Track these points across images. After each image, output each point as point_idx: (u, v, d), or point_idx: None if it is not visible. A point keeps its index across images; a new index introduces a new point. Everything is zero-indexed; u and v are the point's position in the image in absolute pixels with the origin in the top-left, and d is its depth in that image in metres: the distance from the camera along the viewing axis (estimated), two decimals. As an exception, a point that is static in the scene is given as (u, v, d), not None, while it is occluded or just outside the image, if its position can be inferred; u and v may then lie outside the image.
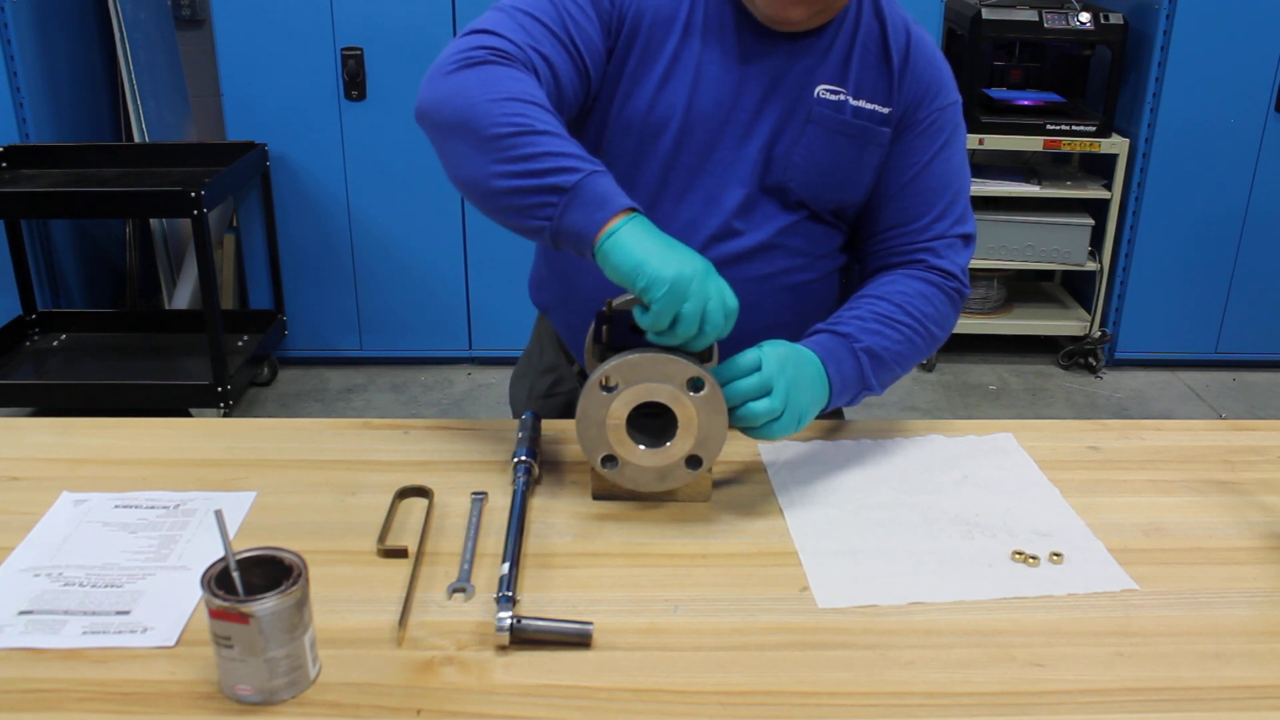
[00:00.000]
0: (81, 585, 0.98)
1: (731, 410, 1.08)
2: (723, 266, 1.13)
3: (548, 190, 1.04)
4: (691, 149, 1.23)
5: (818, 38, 1.22)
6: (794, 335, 1.19)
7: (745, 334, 1.11)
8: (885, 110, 1.24)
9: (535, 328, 1.52)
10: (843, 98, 1.23)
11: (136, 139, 3.37)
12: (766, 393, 1.08)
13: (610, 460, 1.10)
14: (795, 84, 1.22)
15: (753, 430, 1.09)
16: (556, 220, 1.05)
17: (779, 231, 1.26)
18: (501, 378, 3.52)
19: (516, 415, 1.51)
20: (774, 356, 1.09)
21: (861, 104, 1.23)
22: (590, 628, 0.91)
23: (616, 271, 1.02)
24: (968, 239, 1.29)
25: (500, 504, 1.12)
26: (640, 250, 1.01)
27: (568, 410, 1.38)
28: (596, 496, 1.14)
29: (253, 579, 0.84)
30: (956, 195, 1.28)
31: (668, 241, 1.03)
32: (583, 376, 1.36)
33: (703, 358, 1.10)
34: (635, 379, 1.06)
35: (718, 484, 1.16)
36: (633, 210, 1.04)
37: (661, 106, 1.21)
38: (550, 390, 1.45)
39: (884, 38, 1.24)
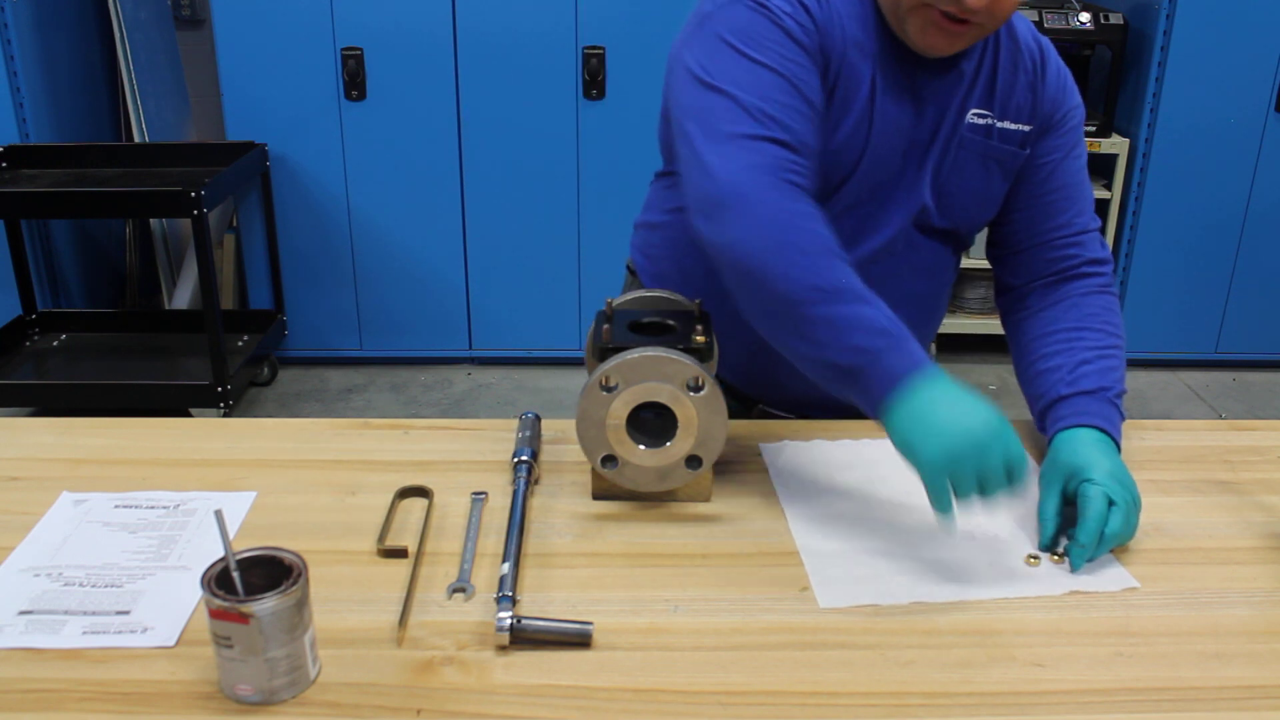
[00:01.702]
0: (81, 585, 0.98)
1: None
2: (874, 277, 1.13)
3: (845, 373, 1.01)
4: (872, 181, 1.21)
5: (966, 61, 1.21)
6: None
7: None
8: (1027, 129, 1.24)
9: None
10: (990, 121, 1.22)
11: (136, 139, 3.37)
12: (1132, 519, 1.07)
13: (610, 460, 1.10)
14: (954, 112, 1.21)
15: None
16: (847, 390, 1.03)
17: (910, 248, 1.26)
18: (501, 377, 3.52)
19: None
20: (1122, 470, 1.09)
21: (1006, 125, 1.23)
22: (590, 628, 0.91)
23: (895, 439, 1.01)
24: (1099, 230, 1.31)
25: (500, 504, 1.12)
26: (915, 427, 0.98)
27: None
28: (596, 496, 1.14)
29: (253, 579, 0.84)
30: (1090, 194, 1.30)
31: (948, 407, 0.98)
32: None
33: (703, 357, 1.10)
34: (635, 379, 1.06)
35: (718, 484, 1.16)
36: (915, 374, 0.99)
37: (855, 142, 1.18)
38: None
39: (1018, 53, 1.24)
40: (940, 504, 0.99)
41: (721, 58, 1.09)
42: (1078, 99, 1.29)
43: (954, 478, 0.98)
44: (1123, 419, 1.19)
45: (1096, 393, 1.18)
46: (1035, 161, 1.27)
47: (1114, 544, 1.05)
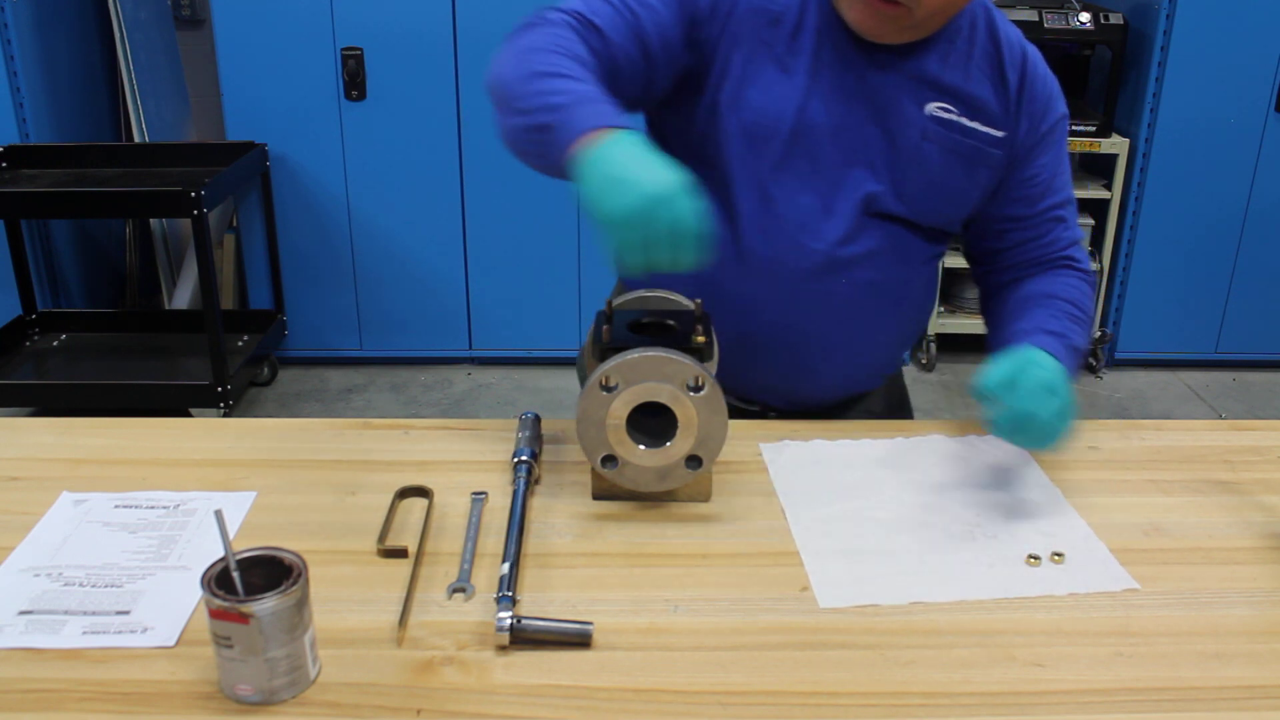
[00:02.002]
0: (81, 585, 0.98)
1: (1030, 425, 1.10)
2: (824, 270, 1.22)
3: (536, 130, 1.05)
4: (801, 154, 1.23)
5: (928, 55, 1.22)
6: (888, 334, 1.25)
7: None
8: (1000, 134, 1.25)
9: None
10: (955, 117, 1.23)
11: (136, 139, 3.37)
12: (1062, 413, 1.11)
13: (610, 460, 1.10)
14: (907, 100, 1.22)
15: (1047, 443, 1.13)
16: (545, 158, 1.06)
17: (885, 242, 1.27)
18: (501, 377, 3.52)
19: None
20: (1053, 365, 1.13)
21: (976, 125, 1.24)
22: (590, 628, 0.91)
23: (582, 197, 1.01)
24: (1081, 241, 1.35)
25: (500, 504, 1.12)
26: (598, 181, 0.98)
27: None
28: (596, 496, 1.14)
29: (253, 579, 0.84)
30: (1071, 198, 1.33)
31: (632, 164, 0.98)
32: None
33: (703, 357, 1.10)
34: (635, 379, 1.06)
35: (718, 484, 1.16)
36: (607, 130, 1.00)
37: (772, 109, 1.21)
38: None
39: (999, 59, 1.25)
40: (625, 267, 1.00)
41: None
42: (1064, 108, 1.31)
43: (641, 239, 0.97)
44: (1071, 357, 1.21)
45: (1059, 335, 1.22)
46: (1026, 176, 1.28)
47: (1030, 423, 1.09)
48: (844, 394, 1.40)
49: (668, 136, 1.30)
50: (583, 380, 1.54)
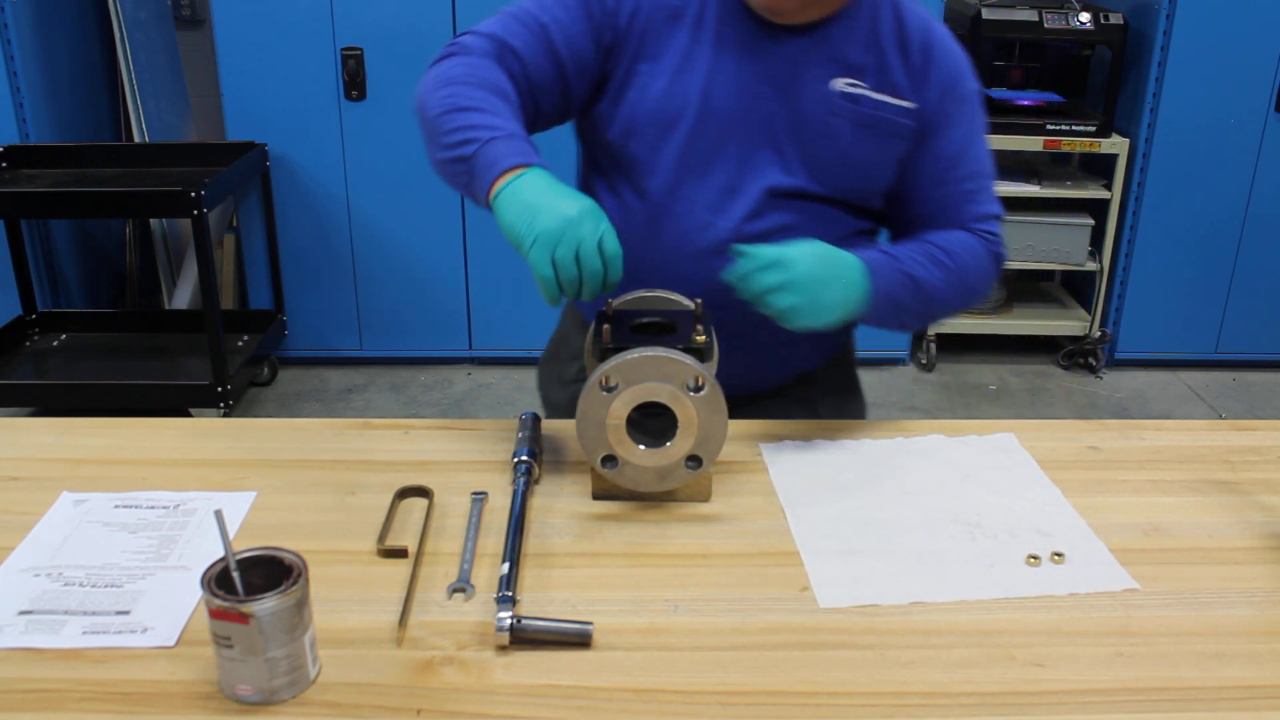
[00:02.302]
0: (81, 585, 0.98)
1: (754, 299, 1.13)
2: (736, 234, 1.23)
3: (458, 161, 1.14)
4: (709, 139, 1.25)
5: (832, 33, 1.24)
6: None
7: (761, 314, 1.15)
8: (909, 105, 1.26)
9: (560, 319, 1.56)
10: (862, 91, 1.25)
11: (136, 139, 3.37)
12: (784, 286, 1.12)
13: (610, 460, 1.10)
14: (813, 78, 1.24)
15: (780, 318, 1.14)
16: (469, 189, 1.14)
17: (798, 217, 1.28)
18: (501, 377, 3.52)
19: (547, 406, 1.55)
20: (801, 251, 1.14)
21: (883, 98, 1.25)
22: (590, 628, 0.91)
23: (502, 229, 1.10)
24: (1000, 218, 1.34)
25: (500, 504, 1.12)
26: (517, 206, 1.08)
27: None
28: (596, 496, 1.14)
29: (253, 579, 0.84)
30: (987, 180, 1.33)
31: (547, 193, 1.08)
32: None
33: (703, 357, 1.10)
34: (635, 379, 1.06)
35: (718, 484, 1.16)
36: (525, 166, 1.10)
37: (676, 97, 1.24)
38: (578, 376, 1.46)
39: (903, 34, 1.27)
40: (547, 287, 1.06)
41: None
42: (972, 83, 1.31)
43: (555, 256, 1.05)
44: (900, 299, 1.23)
45: (891, 256, 1.24)
46: (935, 152, 1.29)
47: (783, 267, 1.12)
48: (779, 376, 1.41)
49: (587, 138, 1.34)
50: (541, 384, 1.56)
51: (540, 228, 1.05)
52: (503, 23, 1.24)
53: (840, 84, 1.24)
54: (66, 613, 0.94)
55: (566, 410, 1.45)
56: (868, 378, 3.95)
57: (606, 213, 1.10)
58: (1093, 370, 3.66)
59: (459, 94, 1.16)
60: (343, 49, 3.20)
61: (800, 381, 1.43)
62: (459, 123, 1.14)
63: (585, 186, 1.37)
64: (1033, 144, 3.39)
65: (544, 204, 1.07)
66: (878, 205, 1.35)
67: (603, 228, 1.07)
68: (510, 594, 0.94)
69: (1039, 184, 3.49)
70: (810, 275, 1.13)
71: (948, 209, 1.31)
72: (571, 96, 1.27)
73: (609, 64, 1.26)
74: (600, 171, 1.34)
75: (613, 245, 1.07)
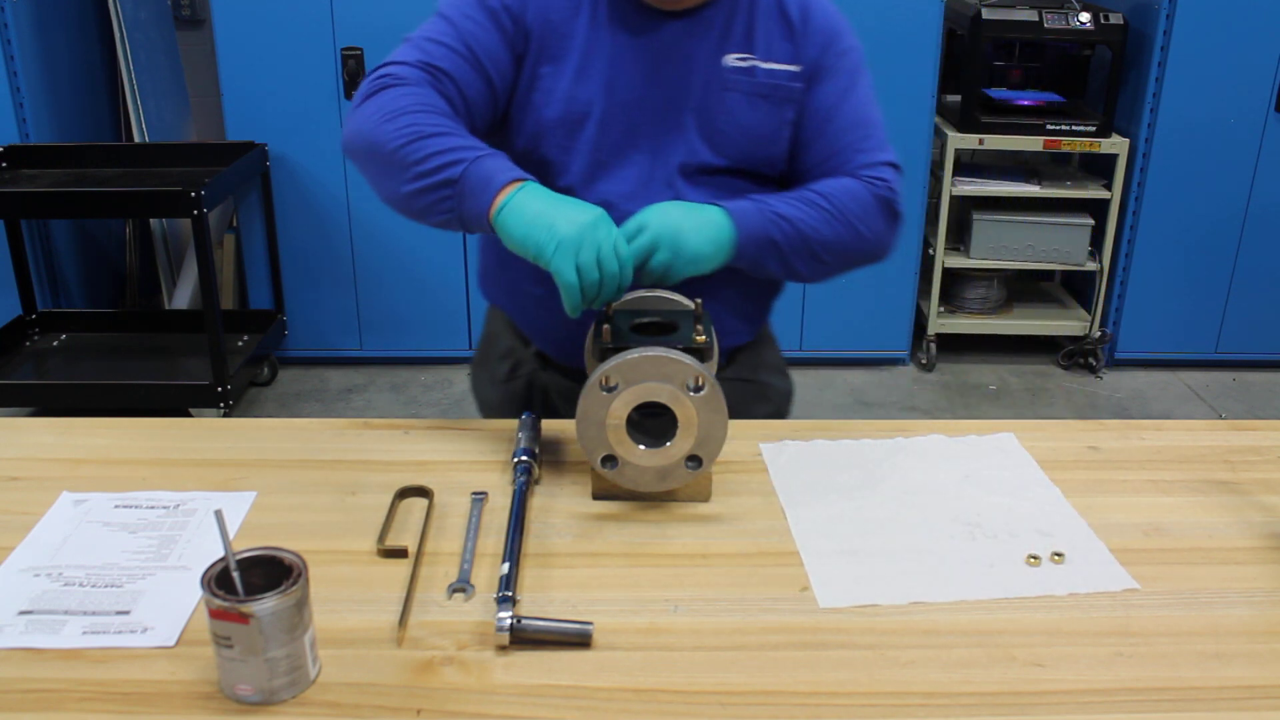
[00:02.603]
0: (81, 585, 0.98)
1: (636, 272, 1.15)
2: None
3: (441, 186, 1.13)
4: (617, 131, 1.28)
5: (716, 13, 1.28)
6: (740, 282, 1.28)
7: (693, 287, 1.19)
8: (795, 68, 1.30)
9: (486, 320, 1.59)
10: (752, 63, 1.29)
11: (136, 139, 3.37)
12: (653, 246, 1.15)
13: (610, 460, 1.10)
14: (705, 59, 1.28)
15: (664, 277, 1.17)
16: (457, 211, 1.14)
17: (708, 195, 1.30)
18: (501, 378, 3.52)
19: (483, 407, 1.56)
20: (656, 210, 1.18)
21: (771, 66, 1.29)
22: (590, 628, 0.91)
23: (512, 242, 1.12)
24: (893, 165, 1.34)
25: (500, 504, 1.12)
26: (528, 217, 1.10)
27: (530, 391, 1.44)
28: (596, 496, 1.14)
29: (253, 579, 0.84)
30: (871, 130, 1.34)
31: (555, 203, 1.11)
32: (540, 357, 1.41)
33: (703, 357, 1.10)
34: (635, 379, 1.06)
35: (718, 484, 1.16)
36: (521, 181, 1.12)
37: (581, 97, 1.27)
38: (511, 375, 1.48)
39: (781, 4, 1.31)
40: (570, 294, 1.09)
41: (428, 20, 1.29)
42: (850, 41, 1.34)
43: (580, 261, 1.08)
44: (773, 239, 1.23)
45: (759, 201, 1.25)
46: (814, 106, 1.31)
47: (655, 219, 1.16)
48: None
49: (504, 146, 1.33)
50: (475, 385, 1.58)
51: (561, 235, 1.07)
52: (423, 48, 1.24)
53: (731, 59, 1.28)
54: (66, 613, 0.94)
55: (500, 410, 1.47)
56: (868, 377, 3.93)
57: None
58: (1093, 370, 3.66)
59: (419, 122, 1.16)
60: (343, 49, 3.20)
61: (730, 362, 1.44)
62: (432, 149, 1.14)
63: None
64: (1033, 144, 3.39)
65: (557, 213, 1.09)
66: (783, 168, 1.37)
67: (615, 232, 1.10)
68: (510, 594, 0.94)
69: (1039, 184, 3.49)
70: (668, 228, 1.16)
71: (831, 158, 1.32)
72: (499, 110, 1.29)
73: (521, 70, 1.28)
74: None
75: (625, 249, 1.10)
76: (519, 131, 1.30)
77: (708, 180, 1.31)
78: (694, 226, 1.19)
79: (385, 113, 1.18)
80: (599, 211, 1.10)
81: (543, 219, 1.09)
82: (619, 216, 1.27)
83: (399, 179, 1.16)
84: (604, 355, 1.09)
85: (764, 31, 1.29)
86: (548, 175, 1.29)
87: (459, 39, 1.24)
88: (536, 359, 1.44)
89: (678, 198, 1.28)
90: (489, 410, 1.53)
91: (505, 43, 1.26)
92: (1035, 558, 1.05)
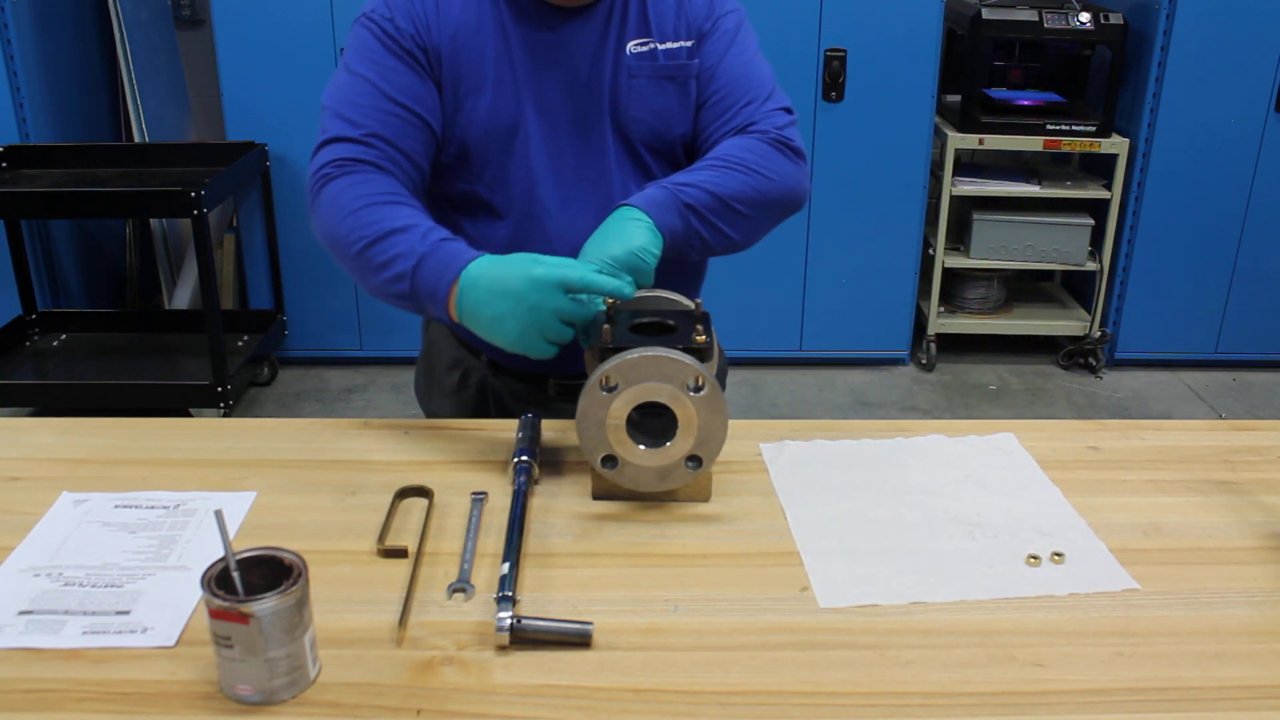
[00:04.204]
0: (81, 585, 0.98)
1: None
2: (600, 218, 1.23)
3: (399, 296, 1.17)
4: (544, 136, 1.31)
5: (613, 4, 1.31)
6: (668, 264, 1.26)
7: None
8: (689, 44, 1.34)
9: (425, 332, 1.60)
10: (651, 46, 1.32)
11: (136, 139, 3.36)
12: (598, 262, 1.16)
13: (610, 460, 1.10)
14: (609, 50, 1.31)
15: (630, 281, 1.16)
16: (427, 314, 1.20)
17: (641, 182, 1.32)
18: (501, 378, 3.52)
19: (430, 414, 1.56)
20: (592, 248, 1.18)
21: (669, 46, 1.33)
22: (590, 628, 0.91)
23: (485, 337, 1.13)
24: (785, 110, 1.36)
25: (500, 504, 1.12)
26: (484, 322, 1.12)
27: (482, 398, 1.45)
28: (596, 496, 1.14)
29: (253, 579, 0.84)
30: (760, 83, 1.36)
31: (499, 288, 1.10)
32: (493, 365, 1.41)
33: (703, 357, 1.10)
34: (635, 379, 1.06)
35: (718, 484, 1.16)
36: (456, 280, 1.12)
37: (504, 109, 1.29)
38: (462, 384, 1.48)
39: None
40: (567, 346, 1.12)
41: (336, 77, 1.29)
42: (730, 4, 1.37)
43: (548, 338, 1.11)
44: (678, 202, 1.22)
45: (652, 182, 1.26)
46: (700, 69, 1.34)
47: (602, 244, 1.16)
48: None
49: (438, 160, 1.34)
50: (421, 396, 1.60)
51: (523, 324, 1.09)
52: (350, 118, 1.24)
53: (631, 47, 1.31)
54: (66, 613, 0.94)
55: (452, 418, 1.47)
56: (868, 378, 3.94)
57: (472, 242, 1.17)
58: (1093, 370, 3.66)
59: (365, 221, 1.18)
60: (343, 49, 3.19)
61: None
62: (383, 257, 1.16)
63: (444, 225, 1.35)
64: (1033, 144, 3.39)
65: (504, 303, 1.09)
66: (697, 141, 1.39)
67: (552, 276, 1.08)
68: (510, 594, 0.94)
69: (1039, 184, 3.49)
70: (597, 243, 1.17)
71: (721, 115, 1.34)
72: (439, 139, 1.29)
73: (442, 94, 1.28)
74: (454, 207, 1.35)
75: (574, 275, 1.09)
76: (446, 150, 1.30)
77: (634, 167, 1.34)
78: (616, 231, 1.18)
79: (339, 212, 1.20)
80: (524, 277, 1.09)
81: (496, 321, 1.10)
82: (559, 223, 1.31)
83: (367, 281, 1.20)
84: (604, 355, 1.09)
85: (655, 13, 1.33)
86: (493, 189, 1.31)
87: (380, 96, 1.25)
88: (488, 366, 1.45)
89: (608, 193, 1.31)
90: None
91: (423, 77, 1.27)
92: (1035, 558, 1.05)
